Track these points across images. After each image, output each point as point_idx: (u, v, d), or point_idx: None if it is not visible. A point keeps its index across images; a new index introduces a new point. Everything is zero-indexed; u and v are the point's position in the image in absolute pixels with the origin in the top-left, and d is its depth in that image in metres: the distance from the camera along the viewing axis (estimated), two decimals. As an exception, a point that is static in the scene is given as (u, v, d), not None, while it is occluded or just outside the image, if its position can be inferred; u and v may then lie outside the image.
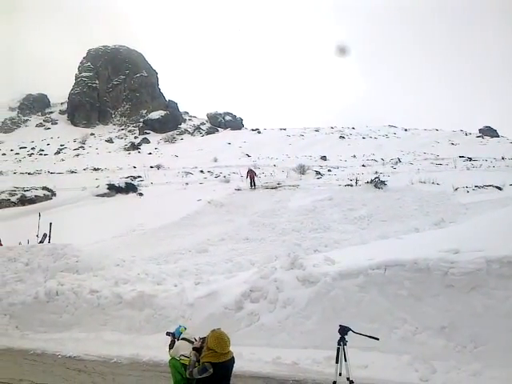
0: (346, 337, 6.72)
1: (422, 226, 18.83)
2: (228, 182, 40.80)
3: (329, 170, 47.62)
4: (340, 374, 6.69)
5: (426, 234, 14.45)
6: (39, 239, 19.01)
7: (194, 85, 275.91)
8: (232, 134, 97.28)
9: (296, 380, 8.00)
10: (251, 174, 33.47)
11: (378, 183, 29.90)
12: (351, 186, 32.40)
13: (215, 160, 63.81)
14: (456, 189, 27.39)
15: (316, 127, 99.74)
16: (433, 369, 7.77)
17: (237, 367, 6.37)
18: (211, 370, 5.87)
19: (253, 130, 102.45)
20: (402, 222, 20.11)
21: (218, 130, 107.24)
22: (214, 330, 6.23)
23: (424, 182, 30.90)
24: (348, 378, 6.59)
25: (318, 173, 44.14)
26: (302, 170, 44.21)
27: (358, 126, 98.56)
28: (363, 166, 51.13)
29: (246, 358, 8.63)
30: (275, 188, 34.02)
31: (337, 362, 6.71)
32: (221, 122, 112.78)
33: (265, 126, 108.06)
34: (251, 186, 32.77)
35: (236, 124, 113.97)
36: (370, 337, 6.87)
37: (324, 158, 61.54)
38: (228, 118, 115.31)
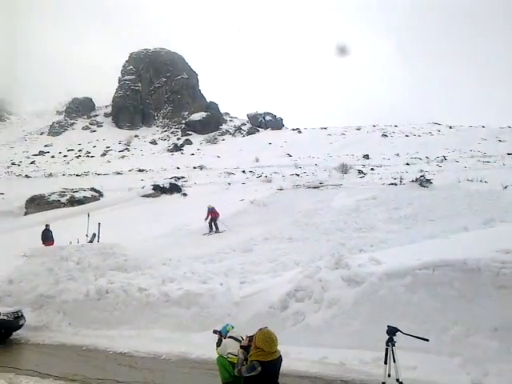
0: (394, 337, 6.64)
1: (470, 225, 18.24)
2: (270, 181, 40.95)
3: (372, 169, 47.05)
4: (389, 375, 6.61)
5: (476, 234, 14.04)
6: (89, 239, 19.64)
7: (234, 85, 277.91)
8: (273, 134, 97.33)
9: (344, 380, 7.97)
10: (213, 215, 24.27)
11: (423, 182, 29.32)
12: (395, 184, 31.93)
13: (256, 160, 64.07)
14: (505, 187, 26.51)
15: (357, 126, 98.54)
16: (485, 371, 7.57)
17: (284, 366, 6.40)
18: (259, 369, 5.92)
19: (293, 129, 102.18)
20: (450, 222, 19.57)
21: (258, 130, 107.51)
22: (261, 328, 6.27)
23: (471, 181, 30.10)
24: (397, 380, 6.51)
25: (360, 172, 43.71)
26: (344, 169, 43.91)
27: (401, 124, 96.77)
28: (407, 164, 50.23)
29: (292, 357, 8.64)
30: (317, 187, 33.89)
31: (385, 363, 6.64)
32: (261, 122, 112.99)
33: (305, 125, 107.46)
34: (211, 229, 23.92)
35: (276, 124, 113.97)
36: (420, 338, 6.76)
37: (366, 156, 60.78)
38: (268, 117, 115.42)
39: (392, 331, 6.68)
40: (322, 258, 13.99)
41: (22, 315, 12.83)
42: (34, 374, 9.22)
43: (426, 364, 7.94)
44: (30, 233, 23.94)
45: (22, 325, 12.73)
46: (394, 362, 6.57)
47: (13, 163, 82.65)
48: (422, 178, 30.36)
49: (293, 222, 23.31)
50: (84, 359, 10.53)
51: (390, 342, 6.64)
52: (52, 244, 19.89)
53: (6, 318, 12.21)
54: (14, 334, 12.66)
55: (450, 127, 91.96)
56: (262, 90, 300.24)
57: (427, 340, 6.83)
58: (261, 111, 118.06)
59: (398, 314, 9.00)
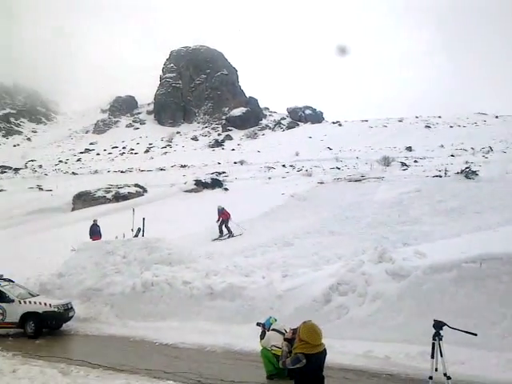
0: (441, 332, 6.52)
1: (518, 217, 17.69)
2: (310, 175, 40.76)
3: (415, 161, 46.15)
4: (436, 370, 6.49)
5: (525, 227, 13.61)
6: (134, 233, 20.07)
7: (273, 80, 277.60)
8: (312, 128, 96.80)
9: (389, 374, 7.86)
10: (224, 217, 22.04)
11: (468, 173, 28.49)
12: (440, 176, 31.18)
13: (297, 154, 63.92)
14: (556, 178, 25.48)
15: (400, 117, 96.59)
16: (536, 367, 7.34)
17: (328, 359, 6.39)
18: (304, 361, 5.94)
19: (333, 122, 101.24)
20: (498, 214, 18.96)
21: (298, 125, 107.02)
22: (305, 321, 6.28)
23: (519, 172, 29.06)
24: (445, 374, 6.37)
25: (403, 164, 42.91)
26: (386, 161, 43.25)
27: (445, 115, 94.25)
28: (452, 155, 48.95)
29: (336, 350, 8.58)
30: (359, 181, 33.46)
31: (432, 357, 6.52)
32: (301, 116, 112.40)
33: (346, 118, 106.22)
34: (221, 234, 21.91)
35: (316, 117, 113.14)
36: (468, 332, 6.61)
37: (409, 148, 59.61)
38: (308, 111, 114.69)
39: (439, 325, 6.55)
40: (364, 252, 13.84)
41: (71, 307, 13.30)
42: (83, 363, 9.48)
43: (473, 359, 7.76)
44: (78, 228, 24.68)
45: (71, 316, 13.21)
46: (442, 356, 6.44)
47: (60, 161, 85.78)
48: (467, 169, 29.50)
49: (334, 215, 23.12)
50: (131, 350, 10.79)
51: (437, 336, 6.51)
52: (99, 239, 20.41)
53: (56, 309, 12.68)
54: (64, 325, 13.12)
55: (497, 117, 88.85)
56: (301, 83, 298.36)
57: (475, 334, 6.67)
58: (300, 105, 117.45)
59: (444, 307, 8.83)
